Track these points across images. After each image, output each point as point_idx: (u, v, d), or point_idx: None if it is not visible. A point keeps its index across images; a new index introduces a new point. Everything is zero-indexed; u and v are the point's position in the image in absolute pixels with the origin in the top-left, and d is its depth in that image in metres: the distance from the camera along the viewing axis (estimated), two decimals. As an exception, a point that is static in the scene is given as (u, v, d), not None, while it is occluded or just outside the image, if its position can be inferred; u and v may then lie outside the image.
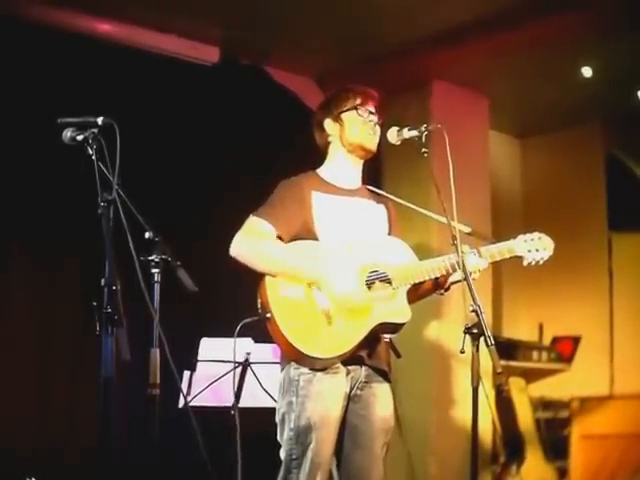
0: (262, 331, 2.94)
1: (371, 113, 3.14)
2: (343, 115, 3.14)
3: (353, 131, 3.13)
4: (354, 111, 3.13)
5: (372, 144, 3.14)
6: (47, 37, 4.65)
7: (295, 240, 2.99)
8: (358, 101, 3.15)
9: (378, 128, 3.14)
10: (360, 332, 2.88)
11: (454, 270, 2.94)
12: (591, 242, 6.49)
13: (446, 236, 2.85)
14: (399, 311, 2.96)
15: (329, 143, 3.19)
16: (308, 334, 2.84)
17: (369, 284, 2.95)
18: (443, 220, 2.91)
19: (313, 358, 2.84)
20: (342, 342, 2.87)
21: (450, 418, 5.50)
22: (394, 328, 2.99)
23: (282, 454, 2.93)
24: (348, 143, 3.14)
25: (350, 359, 2.92)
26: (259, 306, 2.91)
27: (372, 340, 2.95)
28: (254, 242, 2.96)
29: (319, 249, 2.97)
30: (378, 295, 2.93)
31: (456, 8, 4.84)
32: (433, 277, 2.98)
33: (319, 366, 2.87)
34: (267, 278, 2.90)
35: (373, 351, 2.99)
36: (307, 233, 3.00)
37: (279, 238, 2.98)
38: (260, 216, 3.00)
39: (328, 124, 3.17)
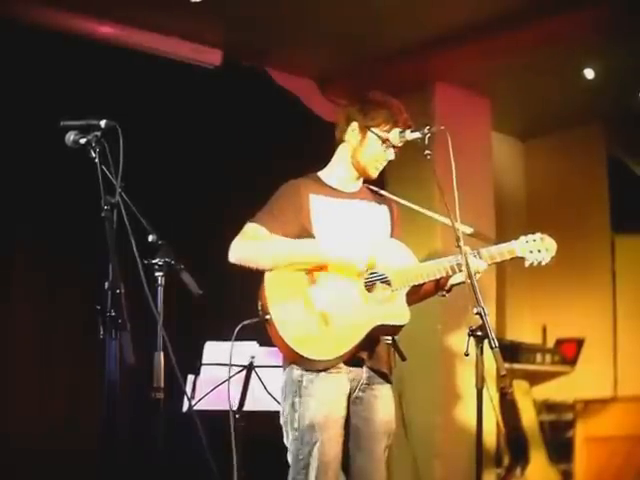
0: (266, 334, 2.93)
1: (394, 147, 3.06)
2: (369, 133, 3.05)
3: (366, 154, 3.07)
4: (381, 139, 3.04)
5: (374, 174, 3.12)
6: (49, 40, 4.65)
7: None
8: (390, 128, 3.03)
9: (390, 160, 3.09)
10: (358, 334, 2.87)
11: (454, 272, 2.93)
12: (594, 244, 6.49)
13: (450, 237, 2.84)
14: (398, 313, 2.94)
15: (343, 141, 3.14)
16: (306, 336, 2.83)
17: (368, 286, 2.94)
18: (446, 221, 2.90)
19: (311, 360, 2.83)
20: (340, 344, 2.86)
21: (455, 421, 5.48)
22: (393, 330, 2.98)
23: (289, 457, 2.91)
24: (356, 160, 3.10)
25: (350, 360, 2.91)
26: (259, 308, 2.90)
27: (372, 342, 2.94)
28: (249, 243, 2.96)
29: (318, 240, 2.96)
30: (377, 297, 2.93)
31: (458, 9, 4.84)
32: (433, 279, 2.97)
33: (319, 367, 2.86)
34: (267, 280, 2.89)
35: (373, 353, 2.97)
36: (306, 237, 2.98)
37: None
38: (256, 222, 2.99)
39: (353, 127, 3.09)
